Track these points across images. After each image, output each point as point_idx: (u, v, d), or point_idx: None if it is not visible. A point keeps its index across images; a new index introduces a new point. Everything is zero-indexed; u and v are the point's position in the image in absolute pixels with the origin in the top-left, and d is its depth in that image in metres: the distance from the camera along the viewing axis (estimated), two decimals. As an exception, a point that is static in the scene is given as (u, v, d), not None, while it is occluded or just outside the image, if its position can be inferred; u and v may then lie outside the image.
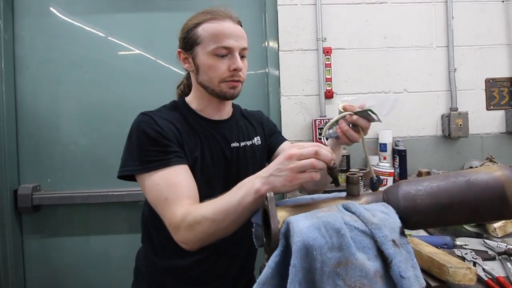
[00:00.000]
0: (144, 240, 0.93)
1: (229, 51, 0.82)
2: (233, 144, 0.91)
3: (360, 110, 0.75)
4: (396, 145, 1.58)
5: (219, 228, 0.66)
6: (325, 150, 0.60)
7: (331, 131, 0.80)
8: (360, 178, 0.61)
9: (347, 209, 0.53)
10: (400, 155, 1.52)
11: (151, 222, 0.88)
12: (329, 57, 1.62)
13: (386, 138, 1.57)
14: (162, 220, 0.78)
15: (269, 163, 1.05)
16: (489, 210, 0.51)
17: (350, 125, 0.77)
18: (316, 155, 0.58)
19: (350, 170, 1.52)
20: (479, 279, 0.70)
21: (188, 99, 0.93)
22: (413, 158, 1.59)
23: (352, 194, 0.59)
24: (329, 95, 1.61)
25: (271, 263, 0.49)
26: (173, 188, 0.73)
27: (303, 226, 0.47)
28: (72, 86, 1.63)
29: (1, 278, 1.54)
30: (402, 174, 1.50)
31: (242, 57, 0.85)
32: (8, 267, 1.56)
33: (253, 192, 0.62)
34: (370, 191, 1.38)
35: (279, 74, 1.63)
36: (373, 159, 1.55)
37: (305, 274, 0.46)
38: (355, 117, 0.75)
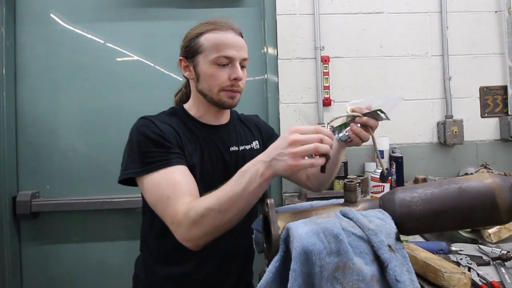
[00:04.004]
0: (143, 248, 0.94)
1: (230, 60, 0.85)
2: (232, 148, 0.93)
3: (369, 111, 0.77)
4: (392, 152, 1.60)
5: (226, 219, 0.66)
6: (328, 136, 0.61)
7: (341, 134, 0.81)
8: (357, 185, 0.63)
9: (344, 215, 0.55)
10: (396, 162, 1.54)
11: (149, 232, 0.89)
12: (327, 65, 1.65)
13: (383, 145, 1.59)
14: (161, 230, 0.78)
15: None
16: (480, 216, 0.52)
17: (359, 125, 0.79)
18: (320, 141, 0.59)
19: (348, 177, 1.54)
20: (474, 284, 0.72)
21: (186, 106, 0.95)
22: (409, 165, 1.61)
23: (349, 201, 0.61)
24: (327, 102, 1.64)
25: (272, 268, 0.50)
26: (174, 186, 0.74)
27: (303, 232, 0.49)
28: (72, 93, 1.65)
29: (-2, 285, 1.54)
30: (398, 180, 1.52)
31: (242, 67, 0.88)
32: (6, 274, 1.55)
33: (258, 176, 0.63)
34: (368, 197, 1.40)
35: (277, 80, 1.65)
36: (370, 166, 1.57)
37: (304, 278, 0.47)
38: (365, 118, 0.77)
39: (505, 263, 0.81)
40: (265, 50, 1.67)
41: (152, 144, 0.78)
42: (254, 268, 1.02)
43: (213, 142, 0.90)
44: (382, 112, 0.75)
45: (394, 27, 1.69)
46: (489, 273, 0.77)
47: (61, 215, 1.62)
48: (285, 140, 0.60)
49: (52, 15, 1.65)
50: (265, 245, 0.58)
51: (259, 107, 1.69)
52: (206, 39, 0.85)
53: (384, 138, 1.61)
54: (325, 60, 1.64)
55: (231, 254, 0.90)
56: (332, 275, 0.46)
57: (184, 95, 1.00)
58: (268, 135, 1.07)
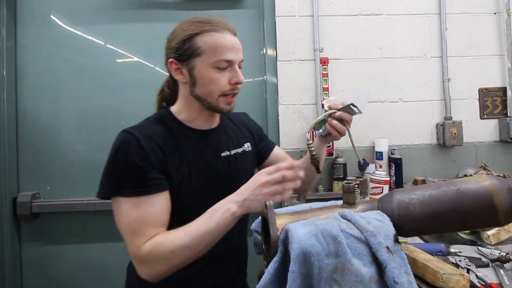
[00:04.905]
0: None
1: (229, 64, 0.82)
2: (224, 153, 0.90)
3: (342, 106, 0.87)
4: (392, 154, 1.60)
5: (194, 253, 0.70)
6: (290, 171, 0.69)
7: (320, 130, 0.91)
8: (356, 186, 0.63)
9: (343, 217, 0.55)
10: (396, 163, 1.54)
11: None
12: (326, 67, 1.65)
13: (382, 146, 1.60)
14: None
15: (259, 169, 1.05)
16: (479, 218, 0.53)
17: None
18: (284, 178, 0.68)
19: (347, 178, 1.54)
20: (472, 286, 0.72)
21: (174, 109, 0.89)
22: (408, 166, 1.62)
23: (348, 203, 0.61)
24: (326, 104, 1.64)
25: (271, 269, 0.51)
26: (142, 221, 0.73)
27: (301, 233, 0.49)
28: (72, 94, 1.65)
29: (-2, 286, 1.54)
30: (398, 182, 1.52)
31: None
32: (6, 274, 1.55)
33: (229, 215, 0.69)
34: (367, 199, 1.40)
35: (277, 82, 1.66)
36: (370, 167, 1.58)
37: (303, 279, 0.47)
38: (339, 112, 0.87)
39: (504, 265, 0.81)
40: (264, 51, 1.68)
41: (132, 167, 0.74)
42: (253, 269, 1.02)
43: (203, 149, 0.86)
44: (355, 106, 0.86)
45: (393, 28, 1.69)
46: (488, 275, 0.77)
47: (61, 216, 1.62)
48: (256, 182, 0.69)
49: (52, 17, 1.66)
50: (264, 246, 0.58)
51: (258, 108, 1.69)
52: (204, 41, 0.80)
53: (383, 140, 1.61)
54: (324, 61, 1.65)
55: (228, 257, 0.89)
56: (331, 276, 0.47)
57: (169, 96, 0.94)
58: (259, 137, 1.05)
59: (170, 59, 0.84)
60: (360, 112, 0.87)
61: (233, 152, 0.93)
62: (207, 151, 0.87)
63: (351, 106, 0.86)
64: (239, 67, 0.85)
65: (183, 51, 0.82)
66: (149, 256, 0.70)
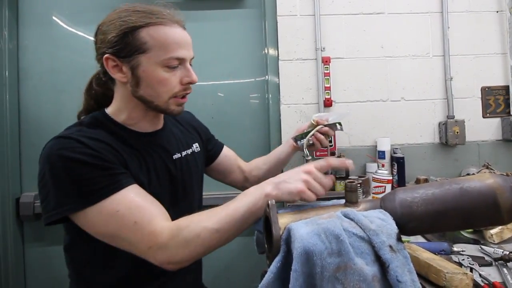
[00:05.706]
0: (77, 279, 0.81)
1: (180, 62, 0.74)
2: (175, 155, 0.84)
3: (329, 123, 0.99)
4: (394, 153, 1.60)
5: (222, 239, 0.63)
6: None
7: (305, 140, 1.00)
8: (358, 185, 0.63)
9: (346, 216, 0.55)
10: (398, 162, 1.54)
11: (87, 265, 0.76)
12: (327, 66, 1.65)
13: (384, 145, 1.59)
14: (106, 261, 0.68)
15: (208, 171, 1.06)
16: (482, 216, 0.52)
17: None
18: (327, 186, 0.64)
19: (349, 177, 1.53)
20: (476, 285, 0.71)
21: (111, 111, 0.79)
22: (411, 165, 1.61)
23: (350, 202, 0.61)
24: (328, 103, 1.64)
25: (273, 268, 0.51)
26: (140, 209, 0.63)
27: (304, 232, 0.49)
28: (74, 95, 1.63)
29: (1, 286, 1.54)
30: (400, 181, 1.52)
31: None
32: (9, 275, 1.56)
33: (262, 195, 0.63)
34: (369, 198, 1.40)
35: (278, 81, 1.66)
36: (372, 167, 1.57)
37: (305, 278, 0.47)
38: (326, 128, 0.99)
39: (508, 263, 0.81)
40: (266, 51, 1.68)
41: (88, 168, 0.63)
42: (255, 269, 1.02)
43: (155, 152, 0.79)
44: (340, 124, 0.99)
45: (395, 27, 1.69)
46: (491, 273, 0.77)
47: (63, 217, 1.62)
48: (300, 168, 0.65)
49: (54, 18, 1.66)
50: (266, 246, 0.58)
51: (260, 108, 1.69)
52: (151, 36, 0.70)
53: (385, 139, 1.61)
54: (326, 61, 1.65)
55: (186, 267, 0.72)
56: (333, 275, 0.47)
57: (101, 95, 0.84)
58: (206, 136, 1.02)
59: (106, 55, 0.73)
60: (342, 130, 1.01)
61: (183, 153, 0.87)
62: (160, 153, 0.80)
63: (337, 124, 0.99)
64: (190, 65, 0.77)
65: (123, 46, 0.71)
66: (172, 240, 0.62)
